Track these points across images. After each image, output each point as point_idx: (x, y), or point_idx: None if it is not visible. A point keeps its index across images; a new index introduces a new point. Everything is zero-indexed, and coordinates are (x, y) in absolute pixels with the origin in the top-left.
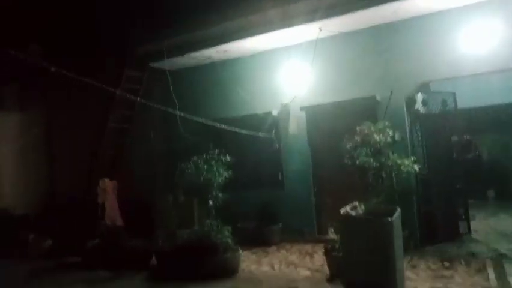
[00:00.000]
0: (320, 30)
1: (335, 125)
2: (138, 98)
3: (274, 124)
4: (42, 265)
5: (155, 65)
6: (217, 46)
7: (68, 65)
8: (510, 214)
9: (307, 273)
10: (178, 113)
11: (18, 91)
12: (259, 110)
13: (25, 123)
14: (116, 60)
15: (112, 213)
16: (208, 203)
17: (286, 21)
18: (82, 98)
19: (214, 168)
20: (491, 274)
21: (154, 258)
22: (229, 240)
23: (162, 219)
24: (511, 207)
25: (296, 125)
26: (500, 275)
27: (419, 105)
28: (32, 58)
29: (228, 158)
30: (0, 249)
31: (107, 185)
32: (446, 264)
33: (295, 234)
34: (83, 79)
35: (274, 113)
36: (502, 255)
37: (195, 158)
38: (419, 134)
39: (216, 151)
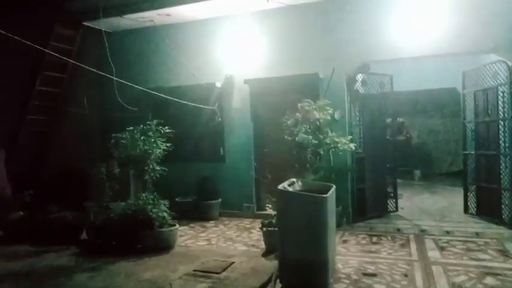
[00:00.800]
0: (268, 1)
1: (278, 100)
2: (70, 60)
3: (217, 96)
4: None
5: (91, 24)
6: (159, 8)
7: None
8: (432, 193)
9: (244, 248)
10: (115, 78)
11: None
12: (203, 80)
13: None
14: (46, 14)
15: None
16: (145, 175)
17: None
18: (7, 57)
19: (152, 140)
20: (414, 249)
21: (84, 233)
22: (166, 215)
23: (94, 191)
24: (434, 186)
25: (239, 99)
26: (421, 250)
27: (358, 85)
28: None
29: (167, 129)
30: None
31: None
32: (374, 239)
33: (235, 209)
34: (3, 32)
35: (218, 84)
36: (424, 231)
37: (132, 128)
38: (357, 114)
39: (155, 122)
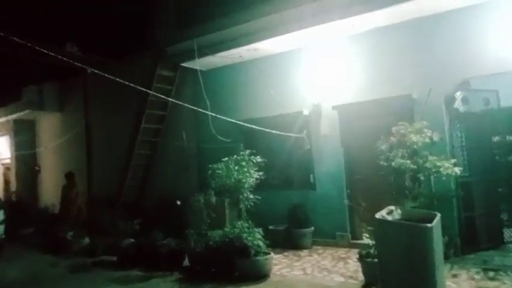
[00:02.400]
0: (353, 26)
1: (369, 124)
2: (170, 99)
3: (305, 124)
4: (80, 262)
5: (187, 64)
6: (248, 44)
7: (103, 66)
8: None
9: (341, 279)
10: (209, 113)
11: (59, 90)
12: (290, 109)
13: (66, 122)
14: (148, 60)
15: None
16: (239, 204)
17: (320, 17)
18: (117, 98)
19: (245, 169)
20: None
21: (186, 259)
22: (261, 243)
23: (193, 219)
24: None
25: (328, 125)
26: None
27: (458, 104)
28: (71, 57)
29: (258, 159)
30: (41, 245)
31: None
32: (490, 274)
33: (328, 238)
34: (118, 80)
35: (305, 112)
36: None
37: (226, 158)
38: (459, 135)
39: (247, 152)
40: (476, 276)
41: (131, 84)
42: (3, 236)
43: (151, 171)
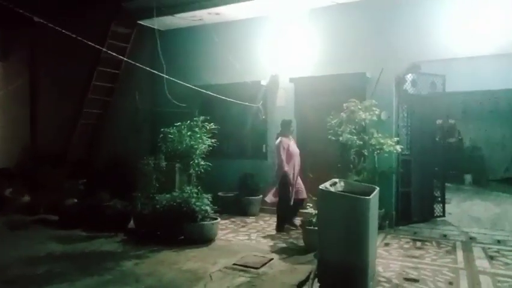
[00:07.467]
0: None
1: (323, 99)
2: (124, 58)
3: (262, 94)
4: (19, 220)
5: (144, 23)
6: (210, 8)
7: (54, 16)
8: (484, 199)
9: (283, 245)
10: (165, 76)
11: (1, 39)
12: (248, 78)
13: (8, 73)
14: (103, 14)
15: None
16: (190, 169)
17: None
18: (68, 52)
19: (198, 135)
20: (460, 257)
21: (132, 221)
22: (209, 208)
23: (142, 183)
24: (485, 192)
25: (284, 97)
26: (469, 258)
27: (408, 86)
28: (15, 3)
29: (212, 125)
30: None
31: (288, 144)
32: (418, 244)
33: (275, 206)
34: (68, 33)
35: (263, 83)
36: (472, 239)
37: (179, 123)
38: (405, 115)
39: (201, 118)
40: (405, 246)
41: (83, 40)
42: None
43: (101, 130)
